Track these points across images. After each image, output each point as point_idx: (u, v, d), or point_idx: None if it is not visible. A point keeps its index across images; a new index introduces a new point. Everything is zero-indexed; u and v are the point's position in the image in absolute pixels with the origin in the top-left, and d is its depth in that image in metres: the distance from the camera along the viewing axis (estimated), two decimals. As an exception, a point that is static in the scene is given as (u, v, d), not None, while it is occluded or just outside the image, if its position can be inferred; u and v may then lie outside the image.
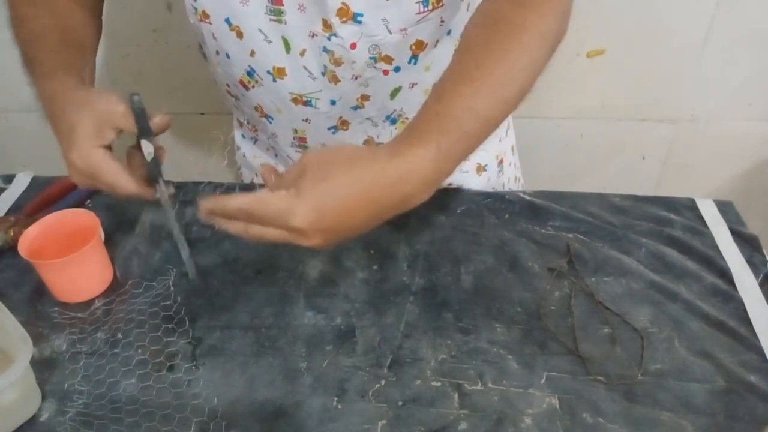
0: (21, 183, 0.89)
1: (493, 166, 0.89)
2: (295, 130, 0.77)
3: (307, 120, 0.75)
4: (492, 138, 0.88)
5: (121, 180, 0.59)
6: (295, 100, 0.72)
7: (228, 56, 0.71)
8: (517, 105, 0.57)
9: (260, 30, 0.67)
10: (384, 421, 0.58)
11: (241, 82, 0.74)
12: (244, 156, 0.90)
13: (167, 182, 0.66)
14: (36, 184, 0.88)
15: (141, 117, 0.60)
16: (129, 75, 1.37)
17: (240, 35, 0.68)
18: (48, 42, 0.67)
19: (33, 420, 0.59)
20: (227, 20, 0.67)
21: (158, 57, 1.33)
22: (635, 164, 1.42)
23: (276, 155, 0.85)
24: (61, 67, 0.64)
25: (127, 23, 1.29)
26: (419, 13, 0.65)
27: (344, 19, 0.64)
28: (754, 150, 1.38)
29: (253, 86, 0.73)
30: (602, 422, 0.57)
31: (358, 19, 0.64)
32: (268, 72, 0.70)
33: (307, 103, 0.73)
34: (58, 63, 0.65)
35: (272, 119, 0.77)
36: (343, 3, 0.63)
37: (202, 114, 1.42)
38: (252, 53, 0.69)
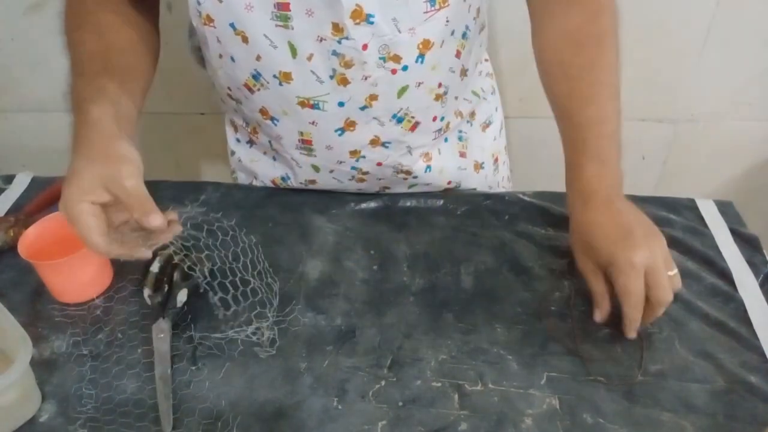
0: (21, 183, 0.89)
1: (489, 164, 0.90)
2: (301, 133, 0.77)
3: (313, 123, 0.75)
4: (487, 136, 0.90)
5: (92, 237, 0.57)
6: (302, 104, 0.72)
7: (233, 59, 0.71)
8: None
9: (266, 35, 0.67)
10: (384, 422, 0.58)
11: (246, 85, 0.73)
12: (239, 160, 0.90)
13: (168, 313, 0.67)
14: (36, 184, 0.88)
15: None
16: (129, 75, 1.37)
17: (245, 40, 0.68)
18: (88, 69, 0.66)
19: (33, 420, 0.59)
20: (232, 25, 0.67)
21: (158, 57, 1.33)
22: (635, 164, 1.42)
23: (275, 158, 0.85)
24: (91, 99, 0.62)
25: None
26: (426, 12, 0.66)
27: (357, 20, 0.65)
28: (754, 150, 1.38)
29: (259, 89, 0.73)
30: (602, 423, 0.57)
31: (371, 20, 0.65)
32: (274, 76, 0.70)
33: (314, 107, 0.73)
34: (89, 94, 0.63)
35: (277, 121, 0.76)
36: (357, 5, 0.63)
37: (202, 114, 1.42)
38: (258, 58, 0.69)
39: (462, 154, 0.86)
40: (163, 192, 0.86)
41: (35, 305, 0.70)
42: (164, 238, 0.58)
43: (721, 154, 1.38)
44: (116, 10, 0.71)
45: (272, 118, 0.76)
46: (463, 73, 0.79)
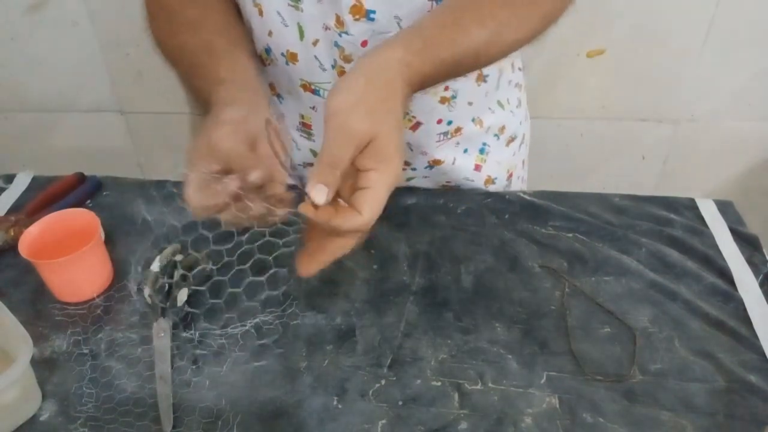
0: (21, 183, 0.89)
1: (502, 179, 0.89)
2: (302, 116, 0.78)
3: (314, 108, 0.75)
4: (509, 151, 0.88)
5: (193, 200, 0.55)
6: (305, 87, 0.73)
7: (252, 29, 0.72)
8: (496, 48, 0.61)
9: (278, 12, 0.68)
10: (384, 421, 0.58)
11: (261, 56, 0.75)
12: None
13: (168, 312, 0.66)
14: (36, 184, 0.88)
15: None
16: (129, 75, 1.37)
17: (261, 13, 0.69)
18: (198, 65, 0.66)
19: (33, 420, 0.59)
20: None
21: (158, 57, 1.33)
22: (635, 164, 1.42)
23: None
24: (208, 93, 0.62)
25: (127, 23, 1.29)
26: (430, 10, 0.65)
27: (357, 16, 0.65)
28: (754, 150, 1.38)
29: (269, 64, 0.75)
30: (602, 422, 0.57)
31: (371, 16, 0.65)
32: (282, 54, 0.71)
33: (315, 92, 0.73)
34: (207, 87, 0.63)
35: (282, 99, 0.78)
36: (357, 0, 0.63)
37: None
38: (270, 33, 0.70)
39: (477, 167, 0.85)
40: (163, 192, 0.86)
41: (36, 304, 0.70)
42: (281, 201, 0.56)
43: (721, 154, 1.38)
44: (197, 1, 0.70)
45: (278, 95, 0.78)
46: (481, 78, 0.77)
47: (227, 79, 0.62)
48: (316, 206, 0.49)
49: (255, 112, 0.58)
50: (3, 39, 1.32)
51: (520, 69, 0.88)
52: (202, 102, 0.64)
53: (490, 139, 0.85)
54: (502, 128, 0.85)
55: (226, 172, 0.56)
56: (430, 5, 0.65)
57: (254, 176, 0.54)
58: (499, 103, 0.84)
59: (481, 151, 0.85)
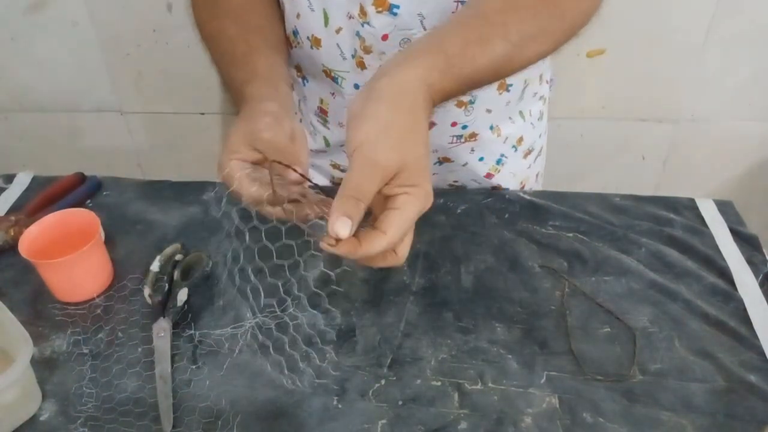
0: (21, 183, 0.89)
1: (512, 189, 0.88)
2: (321, 100, 0.78)
3: (333, 94, 0.75)
4: (523, 161, 0.87)
5: (241, 187, 0.56)
6: (326, 73, 0.74)
7: (284, 9, 0.73)
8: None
9: None
10: (384, 421, 0.58)
11: (289, 37, 0.75)
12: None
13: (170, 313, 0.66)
14: (36, 184, 0.88)
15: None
16: (129, 75, 1.37)
17: None
18: (238, 54, 0.66)
19: (33, 420, 0.59)
20: None
21: (158, 57, 1.33)
22: (635, 164, 1.42)
23: (300, 120, 0.86)
24: (246, 81, 0.62)
25: (127, 23, 1.29)
26: (455, 11, 0.64)
27: (380, 9, 0.64)
28: (754, 150, 1.38)
29: (296, 46, 0.75)
30: (602, 422, 0.57)
31: (394, 11, 0.64)
32: (307, 38, 0.72)
33: (334, 79, 0.73)
34: (244, 76, 0.63)
35: (307, 82, 0.79)
36: None
37: (202, 114, 1.43)
38: (298, 16, 0.71)
39: (489, 176, 0.85)
40: (163, 192, 0.86)
41: (36, 304, 0.70)
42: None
43: (721, 154, 1.39)
44: None
45: (304, 78, 0.78)
46: (504, 88, 0.76)
47: (264, 77, 0.62)
48: (338, 240, 0.46)
49: (286, 113, 0.59)
50: (3, 39, 1.32)
51: (547, 82, 0.86)
52: (234, 91, 0.64)
53: (508, 150, 0.84)
54: (520, 139, 0.84)
55: (263, 161, 0.56)
56: (455, 6, 0.64)
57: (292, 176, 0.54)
58: (521, 114, 0.82)
59: (498, 161, 0.84)
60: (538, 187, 0.95)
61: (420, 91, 0.50)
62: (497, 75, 0.57)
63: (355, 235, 0.46)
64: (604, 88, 1.31)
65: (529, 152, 0.87)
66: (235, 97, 0.64)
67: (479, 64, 0.54)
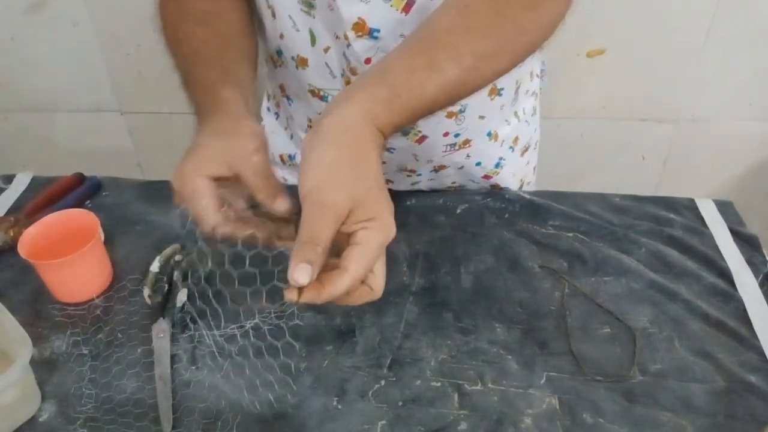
0: (21, 183, 0.89)
1: (513, 188, 0.88)
2: (310, 119, 0.77)
3: (321, 114, 0.75)
4: (523, 161, 0.86)
5: (207, 215, 0.53)
6: (313, 93, 0.73)
7: (265, 29, 0.72)
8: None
9: (290, 17, 0.67)
10: (384, 421, 0.58)
11: (272, 57, 0.75)
12: (264, 128, 0.90)
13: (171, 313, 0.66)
14: (36, 184, 0.88)
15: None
16: (129, 75, 1.37)
17: (273, 15, 0.68)
18: (207, 56, 0.63)
19: (33, 420, 0.59)
20: None
21: (158, 57, 1.32)
22: (635, 164, 1.42)
23: (292, 137, 0.85)
24: (218, 81, 0.60)
25: (127, 23, 1.29)
26: (402, 42, 0.64)
27: (360, 33, 0.64)
28: (754, 150, 1.38)
29: (279, 66, 0.74)
30: (602, 422, 0.57)
31: (375, 34, 0.64)
32: (293, 58, 0.71)
33: (323, 98, 0.73)
34: (215, 77, 0.61)
35: (292, 101, 0.78)
36: (360, 18, 0.62)
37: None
38: (281, 36, 0.70)
39: (486, 177, 0.84)
40: (163, 192, 0.86)
41: (35, 305, 0.70)
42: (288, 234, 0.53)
43: (721, 154, 1.39)
44: None
45: (287, 97, 0.77)
46: (495, 92, 0.75)
47: (242, 86, 0.60)
48: (300, 289, 0.45)
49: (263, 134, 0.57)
50: (3, 39, 1.32)
51: (538, 76, 0.85)
52: (202, 90, 0.61)
53: (506, 152, 0.83)
54: (516, 139, 0.84)
55: (233, 180, 0.53)
56: None
57: (283, 207, 0.52)
58: (515, 114, 0.82)
59: (497, 165, 0.84)
60: (534, 179, 0.95)
61: (363, 125, 0.49)
62: (450, 100, 0.54)
63: (318, 278, 0.45)
64: (604, 88, 1.31)
65: (526, 149, 0.87)
66: (201, 98, 0.60)
67: (427, 92, 0.51)
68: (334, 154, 0.47)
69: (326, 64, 0.69)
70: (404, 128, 0.53)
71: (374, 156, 0.49)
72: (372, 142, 0.49)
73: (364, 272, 0.46)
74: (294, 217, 0.52)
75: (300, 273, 0.44)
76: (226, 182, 0.54)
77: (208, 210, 0.52)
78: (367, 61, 0.66)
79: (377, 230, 0.46)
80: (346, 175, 0.47)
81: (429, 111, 0.53)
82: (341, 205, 0.46)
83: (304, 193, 0.46)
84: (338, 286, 0.45)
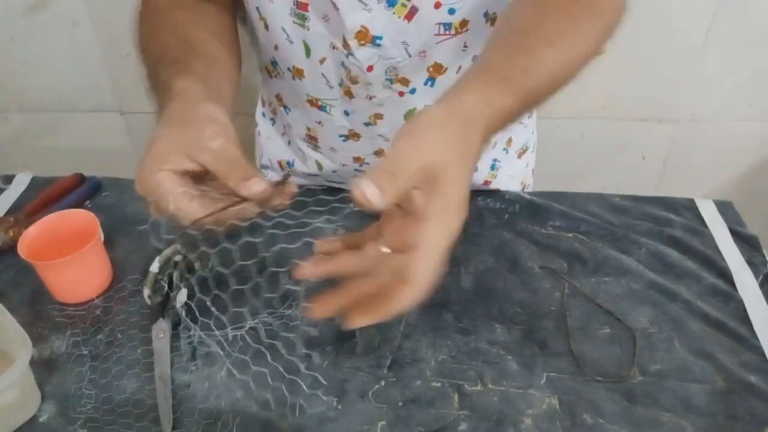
0: (21, 183, 0.89)
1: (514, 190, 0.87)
2: (308, 128, 0.77)
3: (320, 123, 0.75)
4: (521, 163, 0.86)
5: (180, 207, 0.48)
6: (311, 102, 0.73)
7: (259, 41, 0.72)
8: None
9: (283, 29, 0.67)
10: (384, 422, 0.58)
11: (266, 68, 0.75)
12: (259, 134, 0.90)
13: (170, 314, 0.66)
14: (36, 184, 0.88)
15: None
16: (129, 75, 1.37)
17: (266, 27, 0.68)
18: (169, 57, 0.60)
19: (32, 420, 0.59)
20: (257, 9, 0.68)
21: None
22: (635, 164, 1.42)
23: (289, 143, 0.85)
24: (175, 75, 0.56)
25: (127, 23, 1.28)
26: (438, 34, 0.64)
27: (363, 41, 0.64)
28: (754, 150, 1.38)
29: (275, 76, 0.74)
30: (602, 423, 0.57)
31: (377, 42, 0.63)
32: (288, 69, 0.71)
33: (321, 108, 0.72)
34: (173, 73, 0.56)
35: (289, 110, 0.78)
36: (363, 26, 0.62)
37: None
38: (275, 47, 0.70)
39: (486, 183, 0.84)
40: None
41: (35, 305, 0.70)
42: (278, 202, 0.49)
43: (721, 154, 1.38)
44: (189, 6, 0.66)
45: (285, 106, 0.77)
46: None
47: (198, 73, 0.56)
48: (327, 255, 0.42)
49: (229, 117, 0.53)
50: (3, 39, 1.32)
51: None
52: (159, 88, 0.57)
53: (499, 154, 0.83)
54: (509, 141, 0.84)
55: (203, 173, 0.50)
56: (438, 28, 0.63)
57: (257, 188, 0.48)
58: None
59: (492, 167, 0.83)
60: (533, 182, 0.95)
61: (478, 110, 0.46)
62: (553, 83, 0.53)
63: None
64: (604, 88, 1.30)
65: (523, 152, 0.87)
66: (159, 95, 0.56)
67: (534, 74, 0.50)
68: (447, 116, 0.45)
69: (323, 74, 0.69)
70: (510, 122, 0.50)
71: (476, 148, 0.46)
72: (480, 133, 0.46)
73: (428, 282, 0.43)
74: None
75: (369, 189, 0.40)
76: (209, 179, 0.50)
77: (180, 203, 0.48)
78: (370, 68, 0.66)
79: (438, 227, 0.43)
80: (451, 137, 0.43)
81: (536, 95, 0.52)
82: (434, 155, 0.42)
83: (405, 131, 0.43)
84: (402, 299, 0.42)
